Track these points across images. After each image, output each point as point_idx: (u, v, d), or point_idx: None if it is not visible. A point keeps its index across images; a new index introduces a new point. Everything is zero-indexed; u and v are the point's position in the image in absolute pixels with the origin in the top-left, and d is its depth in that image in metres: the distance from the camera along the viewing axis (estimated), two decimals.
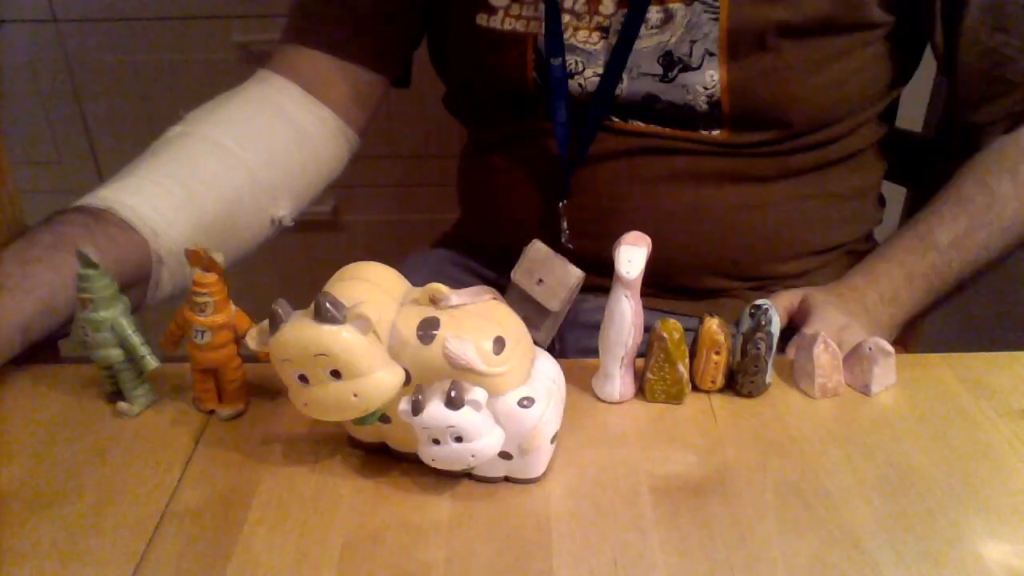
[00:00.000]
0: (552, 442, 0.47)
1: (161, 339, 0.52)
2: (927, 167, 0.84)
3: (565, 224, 0.68)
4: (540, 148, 0.70)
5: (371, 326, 0.42)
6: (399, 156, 1.37)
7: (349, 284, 0.45)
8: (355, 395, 0.43)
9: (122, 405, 0.53)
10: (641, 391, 0.54)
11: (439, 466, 0.45)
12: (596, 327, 0.53)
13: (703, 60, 0.62)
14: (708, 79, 0.62)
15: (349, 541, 0.44)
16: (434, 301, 0.45)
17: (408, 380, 0.44)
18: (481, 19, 0.67)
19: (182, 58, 1.27)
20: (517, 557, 0.43)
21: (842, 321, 0.62)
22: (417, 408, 0.43)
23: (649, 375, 0.53)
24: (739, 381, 0.54)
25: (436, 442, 0.44)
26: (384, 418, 0.46)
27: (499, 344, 0.43)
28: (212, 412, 0.53)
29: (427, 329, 0.43)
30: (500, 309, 0.46)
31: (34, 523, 0.45)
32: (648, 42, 0.63)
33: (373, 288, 0.45)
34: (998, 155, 0.67)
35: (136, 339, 0.51)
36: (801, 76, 0.62)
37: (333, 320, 0.41)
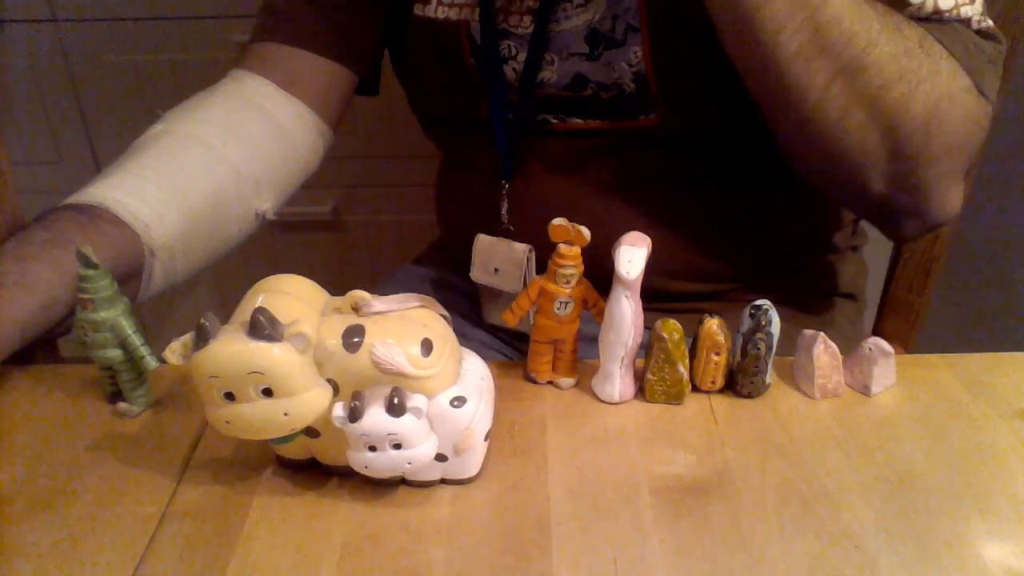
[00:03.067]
0: (485, 439, 0.47)
1: (505, 314, 0.54)
2: None
3: (505, 208, 0.69)
4: (485, 145, 0.70)
5: (309, 344, 0.41)
6: (399, 156, 1.37)
7: (269, 297, 0.44)
8: (285, 414, 0.42)
9: (122, 405, 0.53)
10: (641, 391, 0.54)
11: (372, 474, 0.44)
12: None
13: (626, 35, 0.62)
14: (632, 56, 0.62)
15: (349, 541, 0.44)
16: (355, 309, 0.44)
17: (336, 391, 0.44)
18: (418, 8, 0.68)
19: (182, 58, 1.27)
20: (517, 557, 0.43)
21: None
22: (355, 415, 0.42)
23: (649, 375, 0.53)
24: (739, 381, 0.54)
25: (372, 449, 0.43)
26: (311, 432, 0.45)
27: (427, 347, 0.43)
28: (550, 383, 0.56)
29: (352, 337, 0.43)
30: (424, 313, 0.45)
31: (34, 523, 0.45)
32: (576, 21, 0.63)
33: (294, 300, 0.44)
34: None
35: (136, 339, 0.51)
36: (725, 52, 0.57)
37: (270, 337, 0.40)
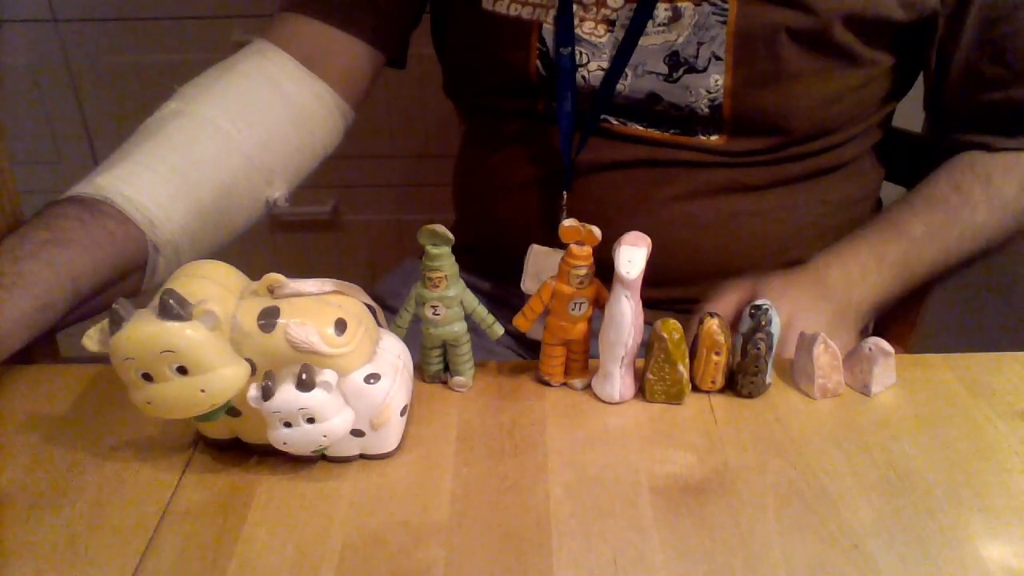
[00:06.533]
0: (402, 415, 0.49)
1: (517, 318, 0.54)
2: (927, 168, 0.84)
3: (564, 216, 0.68)
4: (540, 144, 0.69)
5: (218, 321, 0.43)
6: (399, 156, 1.37)
7: (187, 281, 0.45)
8: (202, 391, 0.43)
9: (458, 379, 0.55)
10: (641, 391, 0.54)
11: (290, 450, 0.46)
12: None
13: (709, 63, 0.62)
14: (712, 83, 0.62)
15: (349, 541, 0.44)
16: (271, 291, 0.46)
17: (253, 370, 0.45)
18: (487, 2, 0.67)
19: (182, 58, 1.27)
20: (517, 557, 0.43)
21: (790, 306, 0.59)
22: (267, 393, 0.44)
23: (649, 375, 0.53)
24: (739, 381, 0.54)
25: (288, 425, 0.45)
26: (233, 412, 0.47)
27: (340, 326, 0.45)
28: (564, 384, 0.56)
29: (268, 318, 0.44)
30: (339, 296, 0.47)
31: (34, 523, 0.45)
32: (655, 40, 0.63)
33: (211, 284, 0.45)
34: (970, 163, 0.68)
35: (483, 310, 0.54)
36: (803, 86, 0.62)
37: (179, 317, 0.42)
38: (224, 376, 0.44)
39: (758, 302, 0.52)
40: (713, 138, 0.65)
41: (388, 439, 0.49)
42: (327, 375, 0.44)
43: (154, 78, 1.29)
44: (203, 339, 0.43)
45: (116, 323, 0.43)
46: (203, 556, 0.43)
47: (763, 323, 0.51)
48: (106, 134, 1.35)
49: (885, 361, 0.54)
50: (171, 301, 0.42)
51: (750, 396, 0.54)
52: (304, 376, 0.44)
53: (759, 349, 0.52)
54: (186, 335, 0.42)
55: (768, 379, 0.54)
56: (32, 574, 0.42)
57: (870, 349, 0.54)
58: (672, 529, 0.44)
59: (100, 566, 0.43)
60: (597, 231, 0.50)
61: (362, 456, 0.49)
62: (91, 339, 0.44)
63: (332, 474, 0.49)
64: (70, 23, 1.27)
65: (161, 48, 1.28)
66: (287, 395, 0.44)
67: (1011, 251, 0.70)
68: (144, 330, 0.42)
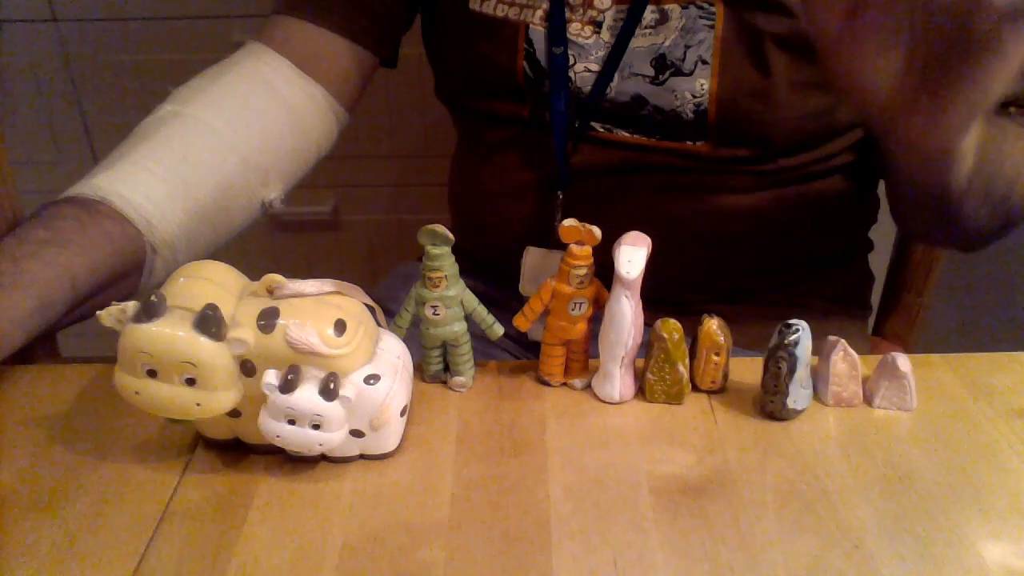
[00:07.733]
0: (402, 415, 0.49)
1: (516, 318, 0.54)
2: None
3: (560, 216, 0.68)
4: (530, 148, 0.69)
5: (248, 350, 0.43)
6: (399, 156, 1.37)
7: (187, 282, 0.45)
8: (197, 404, 0.44)
9: (458, 379, 0.55)
10: (641, 391, 0.54)
11: (282, 445, 0.46)
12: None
13: (695, 67, 0.62)
14: (698, 87, 0.62)
15: (349, 541, 0.44)
16: (270, 291, 0.46)
17: (253, 372, 0.45)
18: (473, 3, 0.67)
19: (182, 58, 1.27)
20: (517, 557, 0.43)
21: None
22: (288, 388, 0.44)
23: (649, 375, 0.53)
24: (762, 398, 0.52)
25: (292, 422, 0.45)
26: (234, 412, 0.47)
27: (340, 327, 0.45)
28: (564, 384, 0.56)
29: (267, 319, 0.44)
30: (338, 297, 0.47)
31: (34, 523, 0.45)
32: (642, 42, 0.63)
33: (211, 284, 0.45)
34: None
35: (483, 309, 0.54)
36: (788, 97, 0.62)
37: (214, 336, 0.42)
38: (220, 398, 0.44)
39: (791, 321, 0.50)
40: (698, 144, 0.65)
41: (388, 439, 0.49)
42: (350, 389, 0.45)
43: (154, 78, 1.29)
44: (226, 364, 0.43)
45: (148, 314, 0.42)
46: (203, 556, 0.43)
47: (786, 342, 0.50)
48: (106, 134, 1.35)
49: (893, 380, 0.52)
50: (212, 316, 0.42)
51: (772, 417, 0.52)
52: (331, 385, 0.44)
53: (779, 368, 0.50)
54: (217, 356, 0.42)
55: (791, 403, 0.51)
56: (32, 574, 0.42)
57: (887, 361, 0.53)
58: (672, 529, 0.44)
59: (100, 566, 0.43)
60: (597, 231, 0.50)
61: (362, 456, 0.49)
62: (109, 315, 0.44)
63: (332, 474, 0.49)
64: (70, 23, 1.27)
65: (161, 48, 1.28)
66: (308, 397, 0.44)
67: (1011, 251, 0.69)
68: (175, 335, 0.42)
